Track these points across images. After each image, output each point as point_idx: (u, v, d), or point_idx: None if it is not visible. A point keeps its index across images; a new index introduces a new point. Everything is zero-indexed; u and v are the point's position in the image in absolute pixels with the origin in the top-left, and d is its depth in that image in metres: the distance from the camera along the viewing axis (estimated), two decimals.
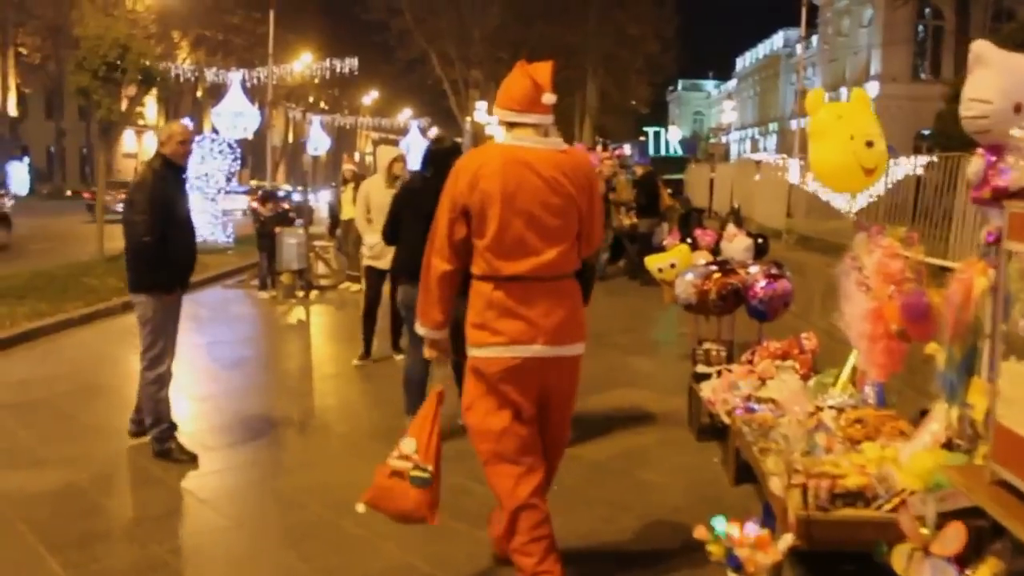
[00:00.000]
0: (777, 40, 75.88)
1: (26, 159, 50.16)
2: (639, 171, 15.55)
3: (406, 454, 3.55)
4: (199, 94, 56.75)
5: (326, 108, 65.99)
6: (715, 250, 7.82)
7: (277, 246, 11.88)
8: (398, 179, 7.49)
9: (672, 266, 7.49)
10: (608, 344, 8.99)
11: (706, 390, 5.49)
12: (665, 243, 8.10)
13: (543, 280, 3.43)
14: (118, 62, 13.76)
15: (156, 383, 5.42)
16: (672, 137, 59.90)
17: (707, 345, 7.95)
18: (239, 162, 17.54)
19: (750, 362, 5.65)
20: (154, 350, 5.41)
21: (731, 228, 7.40)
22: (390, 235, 6.09)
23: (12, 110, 50.26)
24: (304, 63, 44.13)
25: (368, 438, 5.94)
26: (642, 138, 49.84)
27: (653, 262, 7.65)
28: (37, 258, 15.39)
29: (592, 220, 3.60)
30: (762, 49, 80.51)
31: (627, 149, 33.25)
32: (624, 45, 43.93)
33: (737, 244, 7.21)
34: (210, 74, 37.52)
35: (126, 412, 6.07)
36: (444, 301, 3.60)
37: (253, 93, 35.98)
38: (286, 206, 13.56)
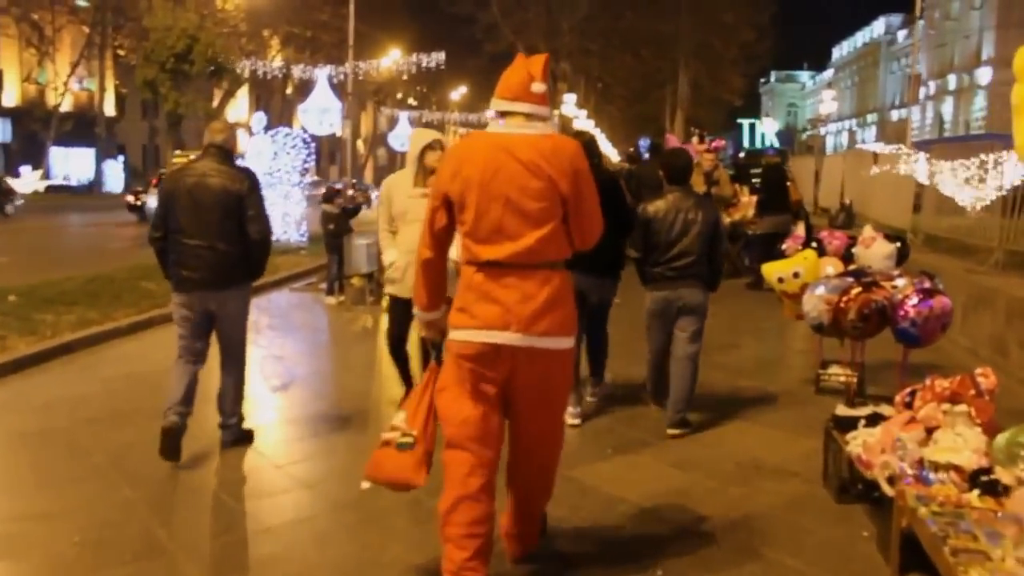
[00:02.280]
0: (877, 27, 73.01)
1: (121, 158, 51.11)
2: (765, 161, 14.07)
3: (395, 425, 3.74)
4: (289, 91, 57.12)
5: (414, 104, 66.13)
6: (846, 256, 6.55)
7: (346, 248, 10.95)
8: (434, 173, 5.21)
9: (795, 276, 6.26)
10: (709, 364, 7.68)
11: (855, 444, 4.23)
12: (785, 248, 6.85)
13: (523, 267, 3.39)
14: (187, 54, 13.05)
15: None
16: (768, 129, 57.67)
17: (834, 369, 6.72)
18: (314, 157, 16.72)
19: (908, 405, 4.39)
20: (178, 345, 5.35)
21: (868, 231, 6.10)
22: None
23: (110, 110, 51.10)
24: (392, 59, 43.92)
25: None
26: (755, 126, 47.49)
27: (772, 271, 6.42)
28: (110, 259, 14.89)
29: (581, 207, 3.49)
30: (860, 37, 77.79)
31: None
32: (718, 34, 42.36)
33: (876, 250, 5.93)
34: (297, 71, 37.42)
35: (145, 449, 5.30)
36: (428, 286, 3.68)
37: (340, 89, 35.60)
38: (358, 198, 12.62)
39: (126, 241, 20.20)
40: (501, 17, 43.42)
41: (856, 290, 5.24)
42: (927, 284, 5.30)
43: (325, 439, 5.81)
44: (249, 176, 5.34)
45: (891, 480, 3.76)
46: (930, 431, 4.14)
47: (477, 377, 3.44)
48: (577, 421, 5.86)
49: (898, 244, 6.25)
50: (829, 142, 73.98)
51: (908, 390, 4.46)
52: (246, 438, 5.58)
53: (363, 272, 11.13)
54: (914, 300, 5.09)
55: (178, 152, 30.43)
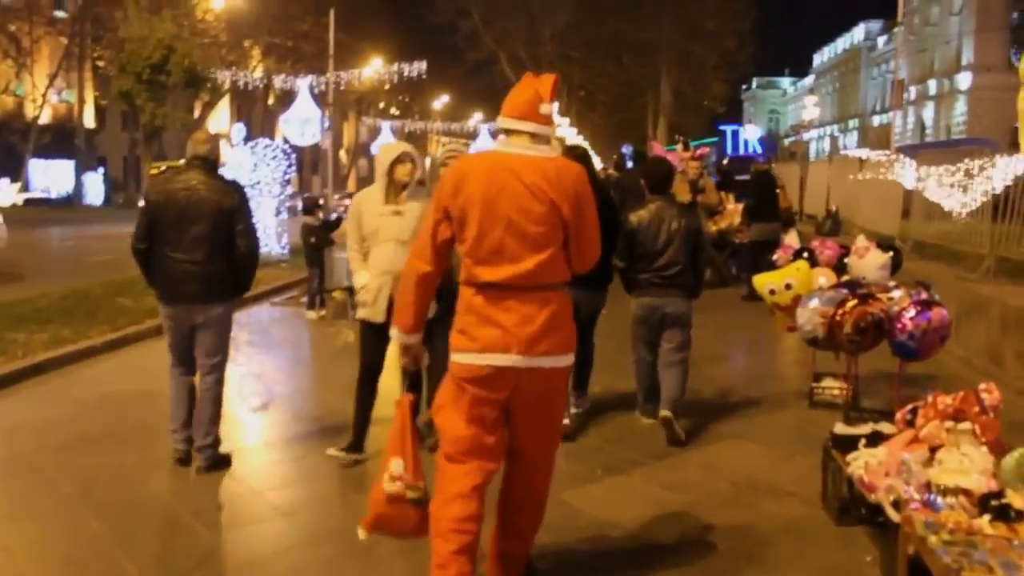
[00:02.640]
0: (857, 33, 73.34)
1: (101, 170, 50.59)
2: (753, 168, 13.87)
3: (396, 475, 3.58)
4: (271, 102, 56.84)
5: (397, 114, 65.96)
6: (838, 266, 6.40)
7: (327, 261, 10.73)
8: (406, 189, 5.24)
9: (787, 287, 6.09)
10: (700, 377, 7.53)
11: (857, 466, 4.05)
12: (776, 258, 6.69)
13: (522, 289, 3.37)
14: (163, 64, 12.82)
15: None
16: (751, 135, 57.76)
17: (828, 382, 6.57)
18: (294, 168, 16.48)
19: (910, 422, 4.22)
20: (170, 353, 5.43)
21: (862, 240, 5.94)
22: None
23: (90, 122, 50.60)
24: (374, 68, 43.79)
25: None
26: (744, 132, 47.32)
27: (763, 282, 6.26)
28: (87, 273, 14.61)
29: (582, 231, 3.47)
30: (841, 43, 78.14)
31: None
32: (699, 41, 42.43)
33: (870, 260, 5.77)
34: (278, 81, 37.20)
35: (115, 477, 5.15)
36: (418, 304, 3.61)
37: (322, 99, 35.31)
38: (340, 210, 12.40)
39: (104, 255, 19.91)
40: (483, 26, 43.36)
41: (852, 303, 5.07)
42: (924, 295, 5.15)
43: (305, 463, 5.59)
44: (239, 190, 5.32)
45: (896, 504, 3.58)
46: (933, 450, 3.99)
47: (477, 399, 3.43)
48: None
49: (891, 253, 6.08)
50: (811, 148, 74.17)
51: (909, 407, 4.29)
52: (223, 463, 5.40)
53: (345, 286, 10.90)
54: (911, 312, 4.93)
55: (155, 163, 30.05)
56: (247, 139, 17.26)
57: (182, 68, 12.17)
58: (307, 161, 59.77)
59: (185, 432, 5.34)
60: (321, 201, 15.08)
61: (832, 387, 6.46)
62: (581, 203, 3.42)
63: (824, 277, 6.22)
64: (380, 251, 5.25)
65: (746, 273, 13.63)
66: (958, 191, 13.20)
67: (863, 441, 4.25)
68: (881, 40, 67.36)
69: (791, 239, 12.09)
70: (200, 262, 5.10)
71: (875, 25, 70.05)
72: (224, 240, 5.13)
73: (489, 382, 3.39)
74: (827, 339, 5.28)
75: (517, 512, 3.68)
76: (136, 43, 12.72)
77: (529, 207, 3.32)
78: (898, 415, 4.34)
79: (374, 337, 5.27)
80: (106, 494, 4.95)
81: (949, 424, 4.07)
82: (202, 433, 5.32)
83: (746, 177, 15.87)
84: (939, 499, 3.44)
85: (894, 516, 3.58)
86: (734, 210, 14.33)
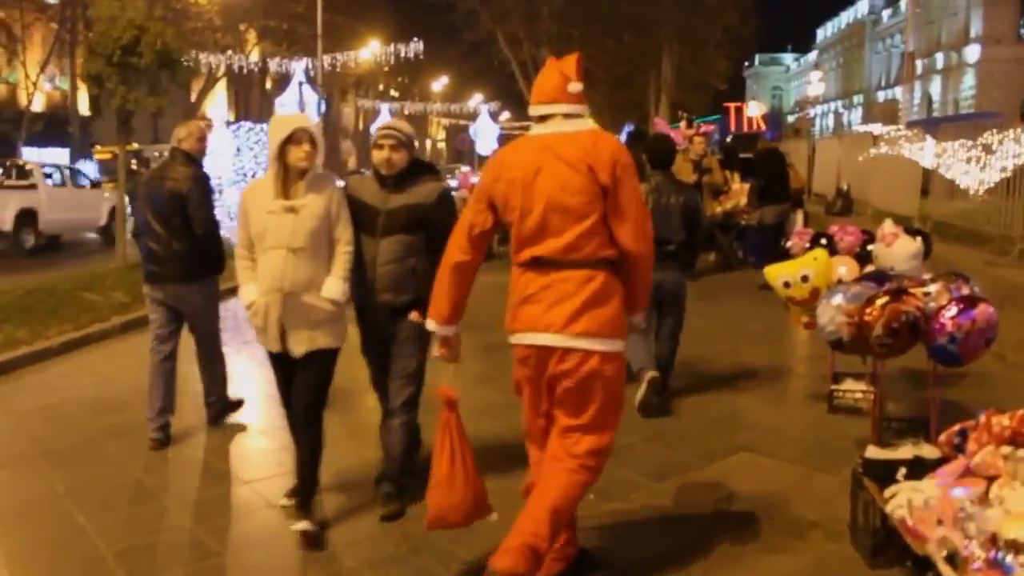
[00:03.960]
0: (861, 7, 72.10)
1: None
2: (762, 145, 13.09)
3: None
4: (268, 85, 56.09)
5: (396, 96, 65.34)
6: (861, 254, 5.70)
7: None
8: (304, 175, 4.05)
9: (804, 279, 5.39)
10: (705, 375, 6.89)
11: (899, 505, 3.35)
12: (790, 246, 5.98)
13: (564, 265, 3.33)
14: (134, 46, 12.10)
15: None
16: (755, 112, 56.81)
17: (849, 384, 5.88)
18: None
19: (958, 447, 3.54)
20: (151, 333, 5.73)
21: (889, 225, 5.21)
22: None
23: (85, 109, 49.82)
24: (370, 49, 43.07)
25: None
26: (746, 110, 46.20)
27: (777, 274, 5.55)
28: (62, 266, 13.98)
29: (624, 199, 3.37)
30: (845, 18, 76.92)
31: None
32: (701, 17, 41.41)
33: (899, 249, 5.04)
34: (273, 64, 36.50)
35: (47, 506, 4.59)
36: (454, 293, 3.60)
37: (319, 82, 34.65)
38: None
39: (93, 245, 19.29)
40: (480, 4, 42.40)
41: (882, 300, 4.35)
42: (964, 290, 4.45)
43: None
44: (194, 177, 5.54)
45: (952, 560, 2.90)
46: (987, 482, 3.32)
47: (529, 378, 3.48)
48: None
49: (920, 240, 5.37)
50: (815, 125, 73.12)
51: (957, 428, 3.60)
52: (231, 408, 6.04)
53: None
54: (952, 311, 4.23)
55: (101, 148, 29.05)
56: (230, 123, 16.50)
57: (154, 49, 11.42)
58: None
59: (161, 419, 5.51)
60: None
61: (854, 390, 5.78)
62: (620, 170, 3.35)
63: (845, 267, 5.52)
64: (267, 261, 4.09)
65: (754, 257, 12.95)
66: (975, 167, 12.47)
67: (902, 470, 3.57)
68: (886, 14, 66.15)
69: (796, 223, 11.41)
70: (166, 245, 5.47)
71: None
72: (181, 224, 5.45)
73: (534, 364, 3.40)
74: (853, 342, 4.57)
75: (536, 495, 3.40)
76: (106, 23, 11.95)
77: (567, 179, 3.32)
78: (942, 437, 3.66)
79: (280, 369, 4.30)
80: (36, 529, 4.30)
81: (1007, 450, 3.39)
82: (207, 393, 5.87)
83: (749, 156, 15.13)
84: (1009, 558, 2.76)
85: (947, 571, 2.90)
86: (740, 190, 13.61)
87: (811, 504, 4.39)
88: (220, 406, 5.91)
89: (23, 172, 17.91)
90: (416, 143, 4.50)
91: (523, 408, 3.59)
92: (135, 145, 19.70)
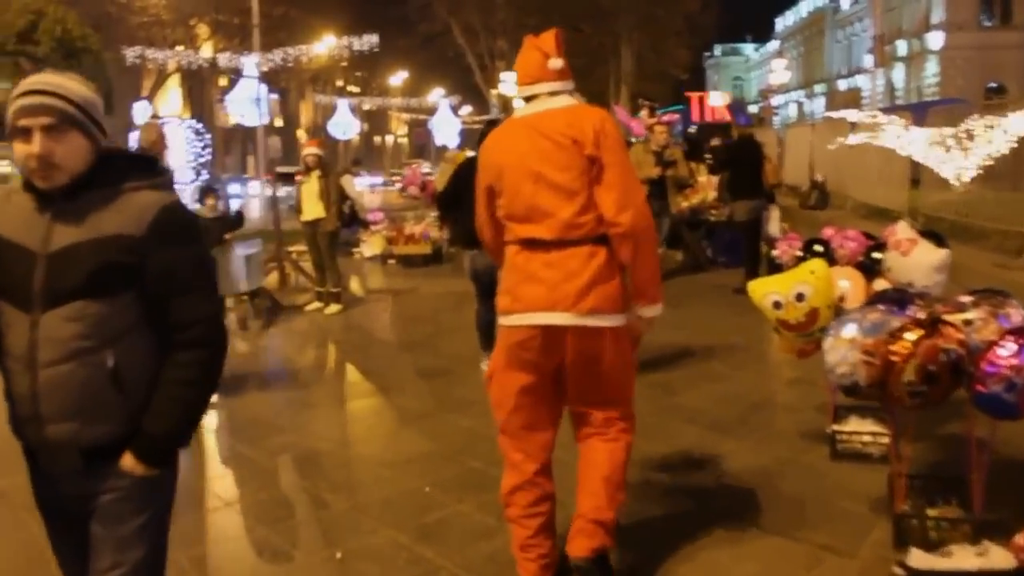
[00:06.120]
0: None
1: None
2: (735, 134, 11.86)
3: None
4: (223, 83, 54.72)
5: (355, 91, 64.43)
6: (865, 265, 4.65)
7: (219, 262, 8.82)
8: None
9: (799, 298, 4.31)
10: (673, 408, 5.82)
11: None
12: (778, 254, 4.91)
13: (564, 244, 3.27)
14: (31, 32, 10.85)
15: None
16: (717, 102, 56.15)
17: (854, 424, 4.82)
18: (209, 150, 14.51)
19: None
20: None
21: (904, 228, 4.15)
22: (446, 207, 6.93)
23: None
24: (324, 44, 41.95)
25: None
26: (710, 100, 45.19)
27: (764, 291, 4.45)
28: None
29: (612, 170, 3.25)
30: (804, 7, 76.55)
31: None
32: (661, 5, 40.56)
33: (919, 258, 3.99)
34: (223, 59, 35.31)
35: None
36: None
37: (271, 77, 33.48)
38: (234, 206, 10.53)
39: None
40: None
41: (913, 333, 3.28)
42: (1016, 317, 3.39)
43: None
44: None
45: None
46: None
47: (525, 364, 3.36)
48: None
49: (947, 250, 4.33)
50: (777, 114, 72.63)
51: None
52: None
53: (240, 291, 9.06)
54: (1007, 349, 3.17)
55: None
56: (156, 117, 15.20)
57: (52, 37, 10.18)
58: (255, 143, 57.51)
59: None
60: (215, 186, 13.12)
61: (861, 432, 4.71)
62: (603, 139, 3.26)
63: (848, 281, 4.47)
64: None
65: (725, 257, 11.97)
66: (959, 155, 11.57)
67: None
68: (846, 2, 65.76)
69: (773, 221, 10.39)
70: None
71: None
72: None
73: (538, 345, 3.30)
74: (873, 387, 3.49)
75: (585, 477, 3.46)
76: None
77: (553, 155, 3.28)
78: (1018, 538, 2.59)
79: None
80: None
81: None
82: None
83: (716, 141, 14.08)
84: None
85: None
86: (707, 183, 12.62)
87: None
88: None
89: None
90: (101, 108, 2.37)
91: (501, 402, 3.44)
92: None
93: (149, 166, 2.38)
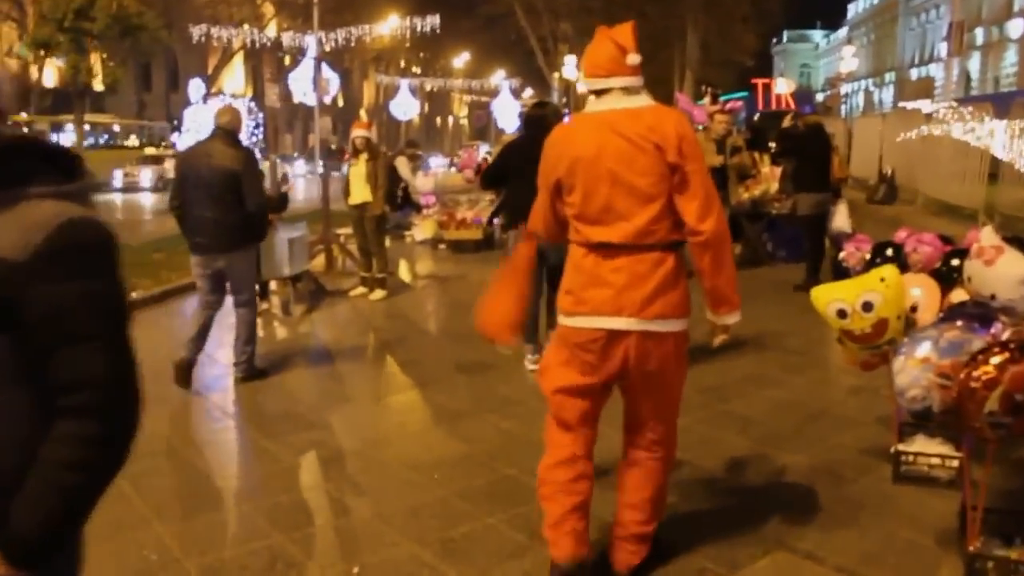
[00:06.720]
0: None
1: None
2: (801, 123, 11.21)
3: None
4: (287, 61, 55.16)
5: (418, 72, 64.64)
6: (941, 272, 4.25)
7: (263, 245, 8.67)
8: None
9: (867, 307, 3.92)
10: (725, 417, 5.47)
11: None
12: (844, 257, 4.52)
13: (635, 248, 3.20)
14: (88, 9, 10.79)
15: None
16: (783, 90, 54.91)
17: (920, 443, 4.44)
18: (261, 129, 14.43)
19: None
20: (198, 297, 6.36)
21: (989, 235, 3.72)
22: (491, 181, 7.19)
23: (98, 85, 48.84)
24: (387, 23, 41.90)
25: None
26: (769, 85, 44.06)
27: (828, 298, 4.08)
28: None
29: (695, 177, 3.17)
30: None
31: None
32: None
33: (1007, 270, 3.56)
34: (287, 38, 35.31)
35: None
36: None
37: (334, 57, 33.49)
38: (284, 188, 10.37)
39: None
40: None
41: (998, 357, 2.90)
42: None
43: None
44: (246, 157, 6.17)
45: None
46: None
47: (584, 365, 3.30)
48: (536, 367, 5.26)
49: None
50: (846, 103, 70.90)
51: None
52: (258, 375, 6.54)
53: (284, 275, 8.89)
54: None
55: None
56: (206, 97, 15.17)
57: (108, 14, 10.06)
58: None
59: (192, 344, 6.23)
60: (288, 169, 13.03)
61: (929, 455, 4.30)
62: (686, 146, 3.18)
63: (920, 289, 4.09)
64: None
65: (785, 251, 11.52)
66: None
67: None
68: None
69: (840, 216, 9.85)
70: (213, 218, 6.00)
71: None
72: (234, 199, 5.99)
73: (600, 348, 3.25)
74: (949, 414, 3.11)
75: (631, 490, 3.47)
76: None
77: (632, 158, 3.19)
78: None
79: None
80: None
81: None
82: (238, 351, 6.45)
83: (788, 122, 13.38)
84: None
85: None
86: (770, 174, 12.10)
87: None
88: (248, 367, 6.44)
89: None
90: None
91: (567, 395, 3.35)
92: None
93: (68, 166, 1.68)
